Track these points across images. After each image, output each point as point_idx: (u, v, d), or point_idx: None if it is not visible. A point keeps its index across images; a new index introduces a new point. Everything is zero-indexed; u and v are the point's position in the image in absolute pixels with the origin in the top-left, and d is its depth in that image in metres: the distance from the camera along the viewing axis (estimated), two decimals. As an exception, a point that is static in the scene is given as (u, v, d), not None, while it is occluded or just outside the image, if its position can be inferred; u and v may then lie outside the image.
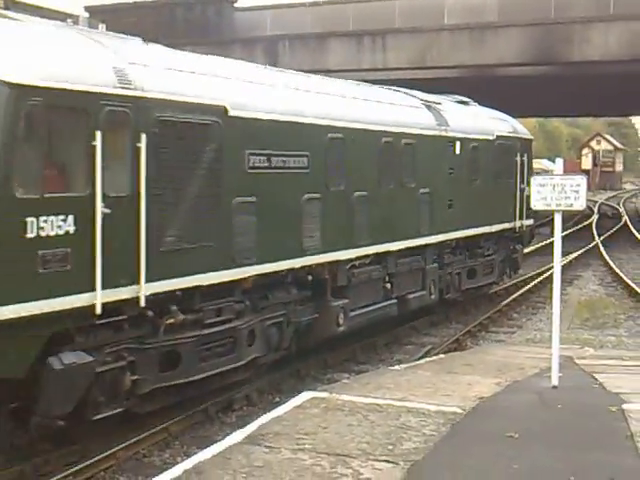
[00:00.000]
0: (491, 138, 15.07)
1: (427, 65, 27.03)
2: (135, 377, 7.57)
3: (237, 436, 6.63)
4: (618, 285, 19.25)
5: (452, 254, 13.98)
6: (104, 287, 6.96)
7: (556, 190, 8.07)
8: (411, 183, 12.31)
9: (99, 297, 6.94)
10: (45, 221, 6.50)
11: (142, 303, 7.39)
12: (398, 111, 12.29)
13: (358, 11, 28.12)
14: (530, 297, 17.54)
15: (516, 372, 9.39)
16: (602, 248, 25.37)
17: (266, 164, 9.10)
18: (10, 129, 6.31)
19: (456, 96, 15.92)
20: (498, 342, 13.41)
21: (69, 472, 7.14)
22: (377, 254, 11.44)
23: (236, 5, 30.56)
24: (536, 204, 8.23)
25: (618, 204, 51.41)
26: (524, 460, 6.14)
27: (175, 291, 7.83)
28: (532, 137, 17.80)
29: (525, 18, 25.79)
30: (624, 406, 7.68)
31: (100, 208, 6.92)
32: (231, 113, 8.50)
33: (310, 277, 10.11)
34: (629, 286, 18.46)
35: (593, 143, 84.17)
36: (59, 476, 7.05)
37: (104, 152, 6.93)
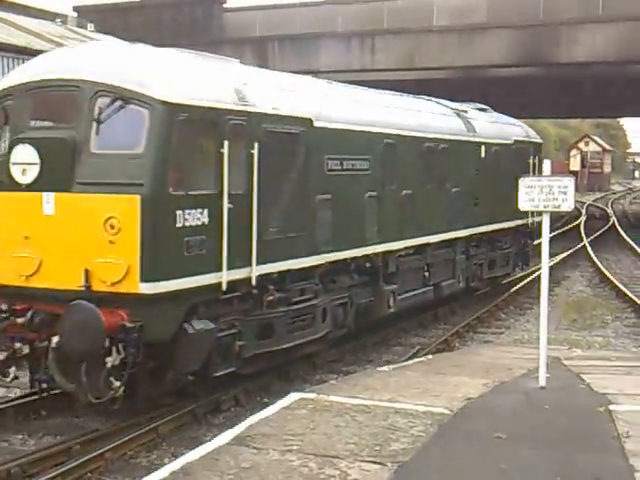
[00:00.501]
0: (509, 142, 16.72)
1: (416, 66, 27.11)
2: (241, 343, 9.14)
3: (225, 437, 6.63)
4: (606, 286, 19.34)
5: (477, 247, 15.63)
6: (228, 268, 8.53)
7: (544, 191, 8.10)
8: (445, 183, 13.95)
9: (225, 276, 8.51)
10: (189, 214, 8.05)
11: (253, 282, 9.03)
12: (435, 119, 14.01)
13: (347, 12, 28.17)
14: (518, 298, 17.60)
15: (504, 373, 9.42)
16: (590, 249, 25.46)
17: (339, 167, 10.77)
18: (165, 139, 7.86)
19: (476, 104, 17.18)
20: (486, 343, 13.46)
21: (56, 473, 7.13)
22: (418, 246, 13.11)
23: (225, 6, 30.55)
24: (524, 205, 8.27)
25: (606, 205, 51.59)
26: (511, 461, 6.16)
27: (273, 273, 9.44)
28: (542, 141, 19.50)
29: (513, 19, 25.89)
30: (611, 407, 7.71)
31: (226, 204, 8.46)
32: (315, 124, 10.13)
33: (368, 265, 11.69)
34: (616, 287, 18.55)
35: (581, 144, 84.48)
36: (47, 477, 7.04)
37: (229, 158, 8.47)
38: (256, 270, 9.00)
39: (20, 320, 8.11)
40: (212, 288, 8.45)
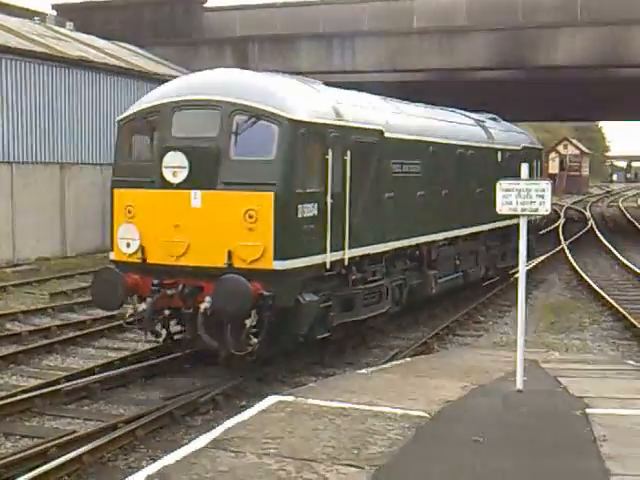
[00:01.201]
0: (519, 148, 18.92)
1: (396, 68, 27.15)
2: (332, 314, 11.14)
3: (202, 440, 6.62)
4: (584, 289, 19.46)
5: (493, 240, 17.76)
6: (331, 251, 10.66)
7: (521, 195, 8.16)
8: (471, 184, 16.11)
9: (328, 257, 10.66)
10: (305, 207, 10.20)
11: (346, 263, 11.15)
12: (464, 129, 16.37)
13: (328, 13, 28.17)
14: (497, 300, 17.69)
15: (482, 376, 9.47)
16: (568, 252, 25.62)
17: (400, 170, 12.93)
18: (291, 148, 10.03)
19: (487, 114, 19.33)
20: (465, 346, 13.51)
21: (33, 475, 7.09)
22: (452, 238, 15.30)
23: (205, 5, 30.47)
24: (502, 208, 8.32)
25: (584, 208, 51.94)
26: (489, 464, 6.19)
27: (357, 257, 11.50)
28: (542, 147, 21.86)
29: (493, 23, 26.01)
30: (588, 410, 7.77)
31: (329, 200, 10.58)
32: (385, 135, 12.26)
33: (417, 252, 13.94)
34: (594, 290, 18.67)
35: (560, 147, 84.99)
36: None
37: (331, 163, 10.61)
38: (347, 253, 11.17)
39: (169, 292, 10.21)
40: (318, 267, 10.60)
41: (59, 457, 7.58)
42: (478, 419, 7.47)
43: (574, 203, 58.86)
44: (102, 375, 10.67)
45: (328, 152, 10.59)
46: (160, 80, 26.18)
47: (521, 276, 8.64)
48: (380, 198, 12.27)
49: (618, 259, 24.79)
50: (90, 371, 10.93)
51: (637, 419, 7.52)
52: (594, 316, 16.20)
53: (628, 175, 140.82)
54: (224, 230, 9.96)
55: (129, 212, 10.64)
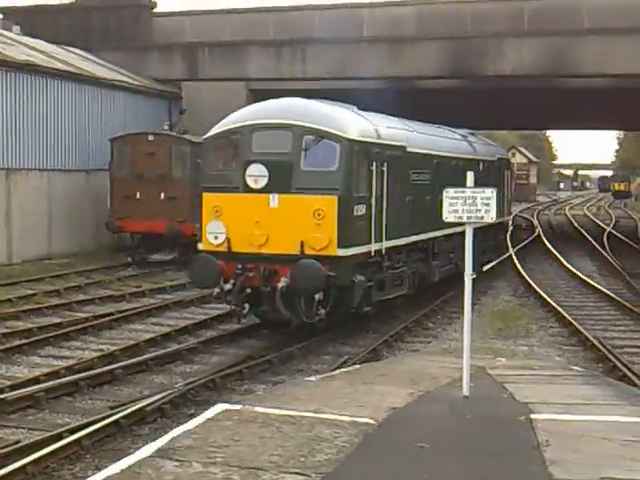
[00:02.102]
0: (494, 159, 22.26)
1: (346, 76, 27.26)
2: (372, 292, 13.97)
3: (147, 449, 6.55)
4: (531, 295, 19.71)
5: (476, 237, 18.98)
6: (374, 242, 13.68)
7: (467, 203, 8.25)
8: None
9: (372, 247, 13.71)
10: (358, 207, 13.17)
11: (383, 252, 14.15)
12: (456, 144, 19.62)
13: (278, 20, 28.15)
14: (446, 307, 17.82)
15: (429, 382, 9.53)
16: (516, 259, 25.95)
17: (416, 178, 15.88)
18: (349, 161, 13.03)
19: (465, 130, 22.05)
20: (414, 352, 13.59)
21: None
22: (449, 234, 17.45)
23: (154, 10, 30.24)
24: (448, 216, 8.40)
25: (532, 216, 52.67)
26: (434, 470, 6.23)
27: (389, 247, 14.35)
28: (510, 157, 25.72)
29: (442, 32, 26.25)
30: (532, 416, 7.86)
31: (373, 202, 13.60)
32: (407, 150, 15.36)
33: (425, 246, 16.58)
34: (541, 296, 18.93)
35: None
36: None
37: (375, 172, 13.69)
38: (384, 244, 14.17)
39: (250, 274, 12.94)
40: (365, 254, 13.57)
41: (2, 468, 7.44)
42: (424, 425, 7.53)
43: (522, 211, 59.64)
44: (47, 384, 10.52)
45: (372, 164, 13.75)
46: (109, 85, 26.03)
47: (467, 283, 8.73)
48: (403, 201, 15.20)
49: (564, 266, 25.18)
50: (35, 380, 10.76)
51: (580, 424, 7.64)
52: (541, 322, 16.42)
53: (575, 184, 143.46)
54: (297, 225, 12.78)
55: (217, 211, 13.31)
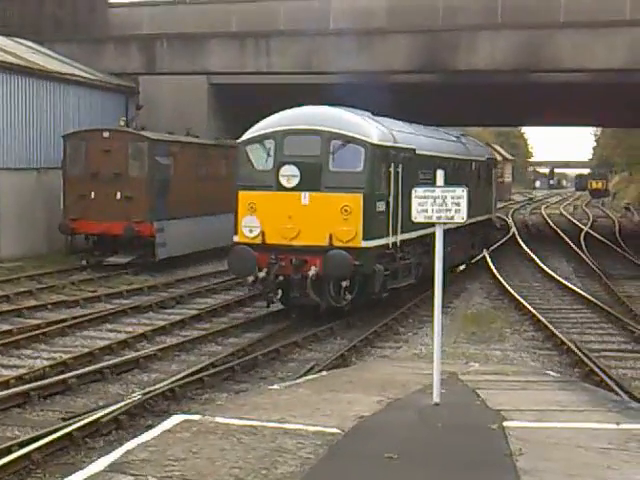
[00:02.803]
0: (483, 159, 24.69)
1: (313, 70, 27.21)
2: (388, 280, 16.11)
3: (100, 464, 6.48)
4: (505, 298, 19.85)
5: (467, 233, 22.05)
6: (391, 235, 15.88)
7: (437, 203, 8.27)
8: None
9: (390, 239, 16.01)
10: (378, 204, 15.34)
11: (398, 244, 16.37)
12: (453, 145, 22.03)
13: (241, 11, 28.08)
14: (417, 311, 17.89)
15: (399, 389, 9.54)
16: (490, 260, 26.11)
17: (423, 177, 17.31)
18: (372, 163, 15.35)
19: (454, 131, 24.07)
20: (383, 358, 13.61)
21: None
22: (446, 230, 21.77)
23: (110, 1, 30.01)
24: (417, 216, 8.42)
25: (507, 215, 53.00)
26: (402, 481, 6.22)
27: (402, 240, 16.44)
28: (497, 157, 28.76)
29: (413, 25, 26.30)
30: (504, 423, 7.90)
31: (391, 199, 15.82)
32: (417, 152, 17.62)
33: (427, 240, 16.89)
34: (515, 299, 19.06)
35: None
36: None
37: (393, 173, 16.01)
38: (399, 237, 16.39)
39: (283, 264, 15.23)
40: (384, 246, 15.90)
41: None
42: (393, 435, 7.52)
43: (496, 210, 60.05)
44: (-5, 395, 10.38)
45: (390, 165, 16.00)
46: (62, 79, 25.77)
47: (437, 286, 8.74)
48: (412, 198, 17.82)
49: (540, 267, 25.39)
50: (-18, 391, 10.61)
51: (553, 432, 7.68)
52: (515, 326, 16.53)
53: (551, 182, 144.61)
54: (326, 220, 15.02)
55: (251, 207, 15.49)
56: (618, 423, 8.08)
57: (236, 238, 15.78)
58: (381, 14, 27.22)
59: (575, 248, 30.47)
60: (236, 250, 15.51)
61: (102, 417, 9.46)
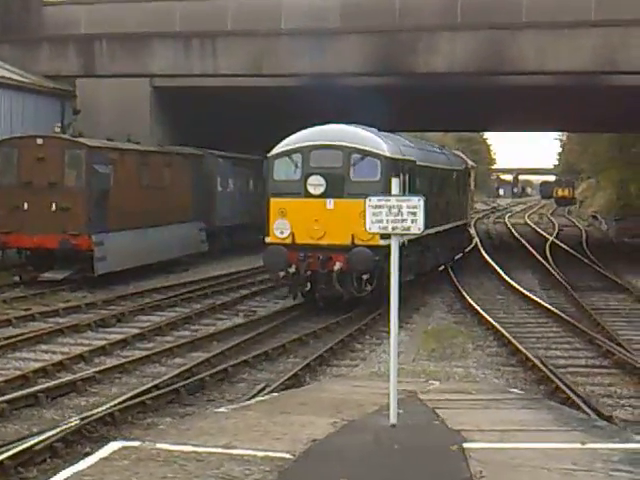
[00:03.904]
0: (461, 168, 29.23)
1: (263, 72, 27.24)
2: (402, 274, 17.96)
3: (32, 496, 6.38)
4: (467, 312, 19.99)
5: (448, 236, 26.11)
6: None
7: (392, 212, 8.29)
8: (446, 194, 25.65)
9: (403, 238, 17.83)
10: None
11: (405, 244, 18.09)
12: (440, 156, 26.11)
13: (186, 10, 27.94)
14: (375, 326, 17.94)
15: (354, 410, 9.54)
16: (451, 272, 26.28)
17: (419, 185, 21.06)
18: (388, 174, 17.99)
19: (433, 143, 30.03)
20: (339, 377, 13.61)
21: None
22: (437, 232, 23.19)
23: (45, -1, 29.74)
24: (371, 227, 8.43)
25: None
26: (356, 508, 6.21)
27: (408, 240, 18.11)
28: (475, 165, 34.13)
29: (368, 24, 26.44)
30: (465, 445, 7.93)
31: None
32: (417, 163, 21.08)
33: (422, 241, 20.86)
34: (478, 313, 19.20)
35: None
36: None
37: (404, 180, 19.29)
38: (406, 237, 17.91)
39: (311, 260, 18.70)
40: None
41: None
42: (346, 458, 7.51)
43: (459, 220, 60.52)
44: None
45: (400, 174, 18.61)
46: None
47: (393, 300, 8.76)
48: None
49: (504, 279, 25.62)
50: None
51: (517, 453, 7.74)
52: (478, 341, 16.65)
53: (515, 190, 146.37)
54: (348, 222, 18.15)
55: (282, 212, 18.95)
56: (583, 443, 8.16)
57: (268, 239, 19.32)
58: (335, 14, 27.30)
59: (540, 259, 30.82)
60: (270, 249, 19.12)
61: (36, 444, 9.32)
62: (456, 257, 29.59)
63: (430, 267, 23.84)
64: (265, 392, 12.05)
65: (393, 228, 8.46)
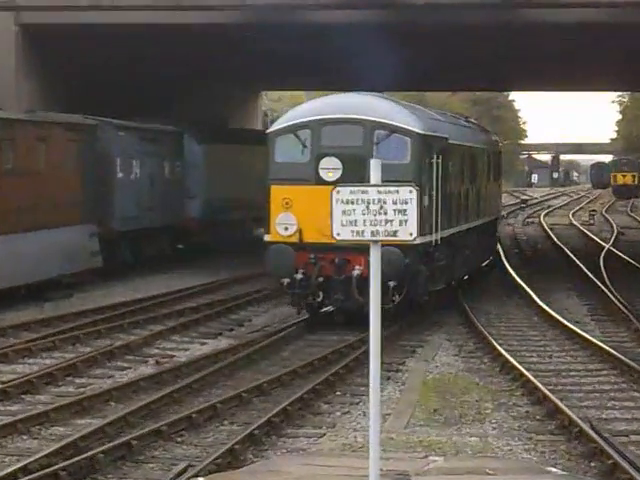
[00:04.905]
0: (494, 148, 33.35)
1: (183, 4, 27.26)
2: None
3: None
4: (485, 355, 20.05)
5: (475, 236, 29.13)
6: (434, 232, 22.41)
7: (371, 210, 8.27)
8: (478, 180, 28.95)
9: (433, 237, 22.40)
10: (425, 198, 21.68)
11: (439, 242, 22.66)
12: (469, 131, 29.48)
13: None
14: (350, 377, 17.93)
15: (317, 502, 9.55)
16: (462, 296, 26.33)
17: (452, 168, 24.30)
18: (420, 155, 21.75)
19: (468, 118, 34.23)
20: (296, 452, 13.61)
21: None
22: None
23: None
24: (340, 232, 8.40)
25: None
26: None
27: (442, 238, 22.56)
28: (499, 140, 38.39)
29: None
30: None
31: (434, 192, 22.76)
32: (450, 142, 23.90)
33: (458, 238, 25.45)
34: (501, 356, 19.24)
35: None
36: None
37: (435, 164, 22.67)
38: (440, 235, 22.88)
39: (323, 263, 20.73)
40: (428, 244, 22.03)
41: None
42: None
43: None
44: None
45: (433, 157, 21.94)
46: None
47: (373, 338, 8.75)
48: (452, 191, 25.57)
49: (538, 306, 25.70)
50: None
51: None
52: (500, 398, 16.70)
53: (555, 175, 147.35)
54: None
55: (287, 203, 20.92)
56: None
57: (268, 237, 21.55)
58: None
59: (591, 276, 30.94)
60: (272, 250, 21.24)
61: None
62: (485, 264, 32.56)
63: (461, 274, 26.94)
64: (187, 476, 12.02)
65: (373, 233, 8.44)
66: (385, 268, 19.97)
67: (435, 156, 21.96)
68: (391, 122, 21.12)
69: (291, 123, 21.65)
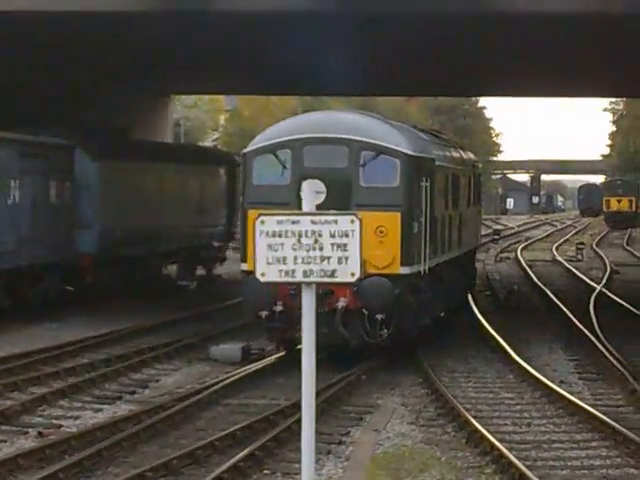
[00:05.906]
0: (475, 169, 36.70)
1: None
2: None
3: None
4: (447, 422, 20.07)
5: (460, 264, 33.21)
6: (423, 261, 26.00)
7: (304, 245, 8.24)
8: (461, 205, 31.96)
9: (422, 267, 25.87)
10: (414, 224, 25.55)
11: (426, 272, 26.15)
12: (454, 152, 32.56)
13: None
14: (279, 452, 17.88)
15: None
16: (420, 352, 26.35)
17: (437, 193, 27.35)
18: (410, 177, 25.18)
19: (441, 134, 37.25)
20: None
21: None
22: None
23: None
24: (265, 272, 8.36)
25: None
26: None
27: (429, 267, 26.20)
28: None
29: None
30: None
31: (422, 218, 26.01)
32: (436, 163, 27.48)
33: (442, 269, 28.75)
34: (467, 424, 19.25)
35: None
36: None
37: (423, 187, 26.06)
38: (428, 264, 25.89)
39: None
40: (417, 274, 25.25)
41: None
42: None
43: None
44: None
45: (422, 179, 24.51)
46: None
47: (305, 401, 8.70)
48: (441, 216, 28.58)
49: (514, 362, 25.82)
50: None
51: None
52: (467, 476, 16.76)
53: (535, 199, 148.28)
54: None
55: None
56: None
57: (244, 266, 23.89)
58: None
59: (579, 325, 31.13)
60: (248, 280, 23.07)
61: None
62: (463, 300, 35.45)
63: (442, 309, 29.79)
64: None
65: (305, 273, 8.39)
66: (371, 300, 23.22)
67: (424, 179, 24.35)
68: (379, 142, 23.59)
69: (270, 142, 23.95)
